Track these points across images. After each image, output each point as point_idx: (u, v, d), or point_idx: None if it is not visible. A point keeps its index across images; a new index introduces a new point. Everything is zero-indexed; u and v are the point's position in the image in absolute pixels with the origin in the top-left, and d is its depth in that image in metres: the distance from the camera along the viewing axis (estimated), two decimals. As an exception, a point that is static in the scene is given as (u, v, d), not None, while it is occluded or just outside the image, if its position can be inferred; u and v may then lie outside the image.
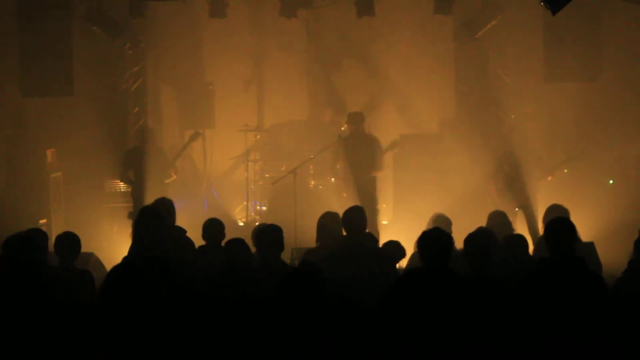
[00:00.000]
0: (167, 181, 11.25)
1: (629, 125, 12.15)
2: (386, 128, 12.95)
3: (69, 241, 7.08)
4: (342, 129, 12.59)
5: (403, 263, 8.18)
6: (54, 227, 11.45)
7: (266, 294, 5.32)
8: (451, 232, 7.18)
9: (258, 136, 13.18)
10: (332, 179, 12.09)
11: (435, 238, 5.71)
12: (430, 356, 5.22)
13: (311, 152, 11.78)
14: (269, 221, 8.63)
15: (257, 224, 11.71)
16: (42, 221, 11.60)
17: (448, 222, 8.01)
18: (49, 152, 12.21)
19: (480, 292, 5.60)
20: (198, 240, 7.76)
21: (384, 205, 12.82)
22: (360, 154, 10.89)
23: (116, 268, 5.35)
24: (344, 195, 11.06)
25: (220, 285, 6.41)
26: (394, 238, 10.26)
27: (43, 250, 6.68)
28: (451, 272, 5.59)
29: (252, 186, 12.91)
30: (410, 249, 8.38)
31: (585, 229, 9.13)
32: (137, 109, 13.10)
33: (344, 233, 7.24)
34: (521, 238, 7.31)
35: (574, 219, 6.25)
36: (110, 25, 12.23)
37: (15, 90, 11.64)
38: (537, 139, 11.13)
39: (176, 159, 11.51)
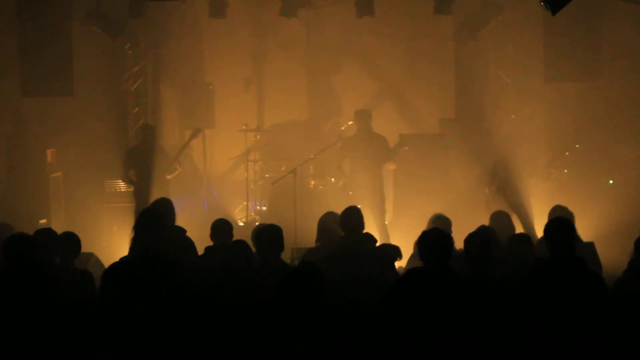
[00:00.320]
0: (169, 177, 11.23)
1: (629, 125, 12.15)
2: (386, 128, 12.95)
3: (69, 241, 7.08)
4: (342, 128, 12.59)
5: (402, 263, 8.18)
6: (54, 227, 11.42)
7: (266, 294, 5.33)
8: (451, 232, 7.18)
9: (258, 136, 13.18)
10: (332, 178, 12.08)
11: (435, 238, 5.71)
12: (431, 356, 5.22)
13: (311, 152, 11.77)
14: (269, 221, 8.63)
15: (257, 224, 11.71)
16: (42, 221, 11.61)
17: (448, 222, 8.00)
18: (49, 152, 12.21)
19: (480, 292, 5.60)
20: (198, 240, 7.76)
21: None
22: (369, 150, 10.88)
23: (113, 267, 5.35)
24: (350, 193, 11.06)
25: (221, 286, 6.41)
26: (394, 238, 10.30)
27: (50, 250, 6.69)
28: (451, 272, 5.59)
29: (252, 186, 12.90)
30: (410, 248, 8.39)
31: (585, 229, 9.13)
32: (137, 109, 13.11)
33: (343, 233, 7.24)
34: (526, 237, 7.31)
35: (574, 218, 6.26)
36: (110, 25, 12.23)
37: (15, 89, 11.64)
38: (536, 139, 11.13)
39: (179, 155, 11.50)
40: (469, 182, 11.76)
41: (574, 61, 11.60)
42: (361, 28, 13.17)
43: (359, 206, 8.11)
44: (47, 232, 7.32)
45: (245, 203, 12.96)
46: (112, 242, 11.47)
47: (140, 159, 11.08)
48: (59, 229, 10.29)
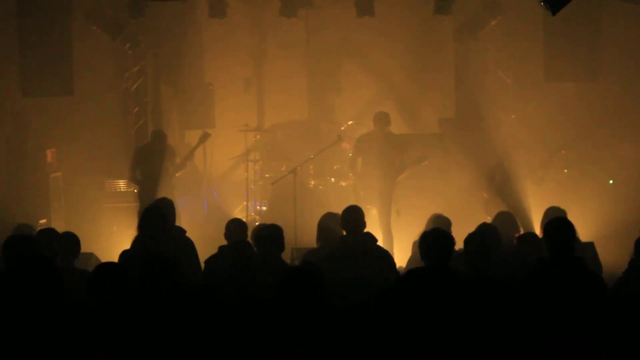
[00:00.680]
0: (177, 174, 11.25)
1: (629, 125, 12.15)
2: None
3: (69, 241, 7.08)
4: (342, 128, 12.59)
5: (402, 263, 8.18)
6: (54, 227, 11.43)
7: (266, 294, 5.33)
8: (451, 232, 7.17)
9: (258, 136, 13.17)
10: (332, 178, 12.03)
11: (436, 238, 5.71)
12: (431, 356, 5.22)
13: (311, 152, 11.77)
14: (269, 221, 8.63)
15: (257, 224, 11.71)
16: (42, 221, 11.61)
17: (447, 222, 8.00)
18: (49, 152, 12.21)
19: (480, 292, 5.60)
20: (198, 240, 7.76)
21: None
22: (383, 152, 10.84)
23: (99, 269, 5.36)
24: (361, 193, 11.03)
25: (224, 286, 6.42)
26: (394, 238, 10.30)
27: (52, 250, 6.69)
28: (452, 273, 5.59)
29: (252, 186, 12.90)
30: (410, 248, 8.39)
31: (585, 229, 9.13)
32: (137, 109, 13.11)
33: (344, 233, 7.24)
34: (534, 236, 7.30)
35: (574, 218, 6.24)
36: (110, 25, 12.24)
37: (16, 90, 11.63)
38: (536, 139, 11.13)
39: (185, 161, 11.49)
40: (468, 182, 11.76)
41: (574, 61, 11.60)
42: (361, 28, 13.17)
43: (367, 207, 8.09)
44: (49, 232, 7.32)
45: (245, 203, 12.95)
46: (112, 242, 11.46)
47: (148, 160, 11.08)
48: (59, 229, 10.25)
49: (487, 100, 12.47)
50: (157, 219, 7.23)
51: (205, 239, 8.12)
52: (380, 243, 7.49)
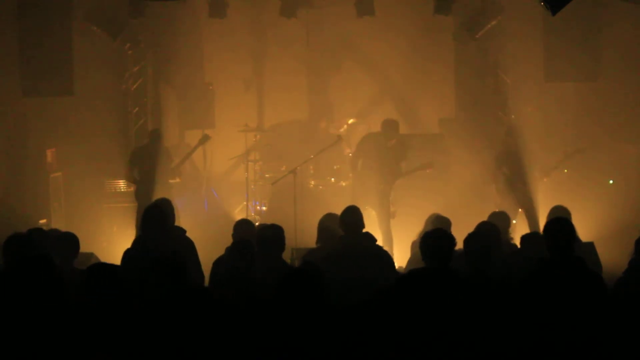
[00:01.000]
0: (171, 181, 11.25)
1: (629, 125, 12.15)
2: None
3: (68, 241, 7.08)
4: (341, 130, 12.60)
5: (402, 263, 8.18)
6: (54, 227, 11.44)
7: (267, 294, 5.33)
8: (450, 232, 7.17)
9: (258, 136, 13.17)
10: (332, 178, 12.03)
11: (438, 239, 5.71)
12: (431, 356, 5.22)
13: (311, 152, 11.77)
14: (269, 221, 8.63)
15: (257, 224, 11.71)
16: (42, 221, 11.61)
17: (447, 223, 8.00)
18: (49, 152, 12.21)
19: (481, 292, 5.60)
20: (198, 240, 7.76)
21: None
22: (387, 161, 10.84)
23: (92, 269, 5.36)
24: (358, 194, 11.02)
25: (225, 285, 6.42)
26: (394, 238, 10.29)
27: (44, 250, 6.68)
28: (453, 273, 5.59)
29: (252, 186, 12.90)
30: (409, 248, 8.39)
31: (585, 229, 9.13)
32: (137, 109, 13.11)
33: (343, 233, 7.24)
34: (538, 236, 7.30)
35: (574, 219, 6.25)
36: (110, 25, 12.23)
37: (16, 89, 11.64)
38: (534, 137, 11.12)
39: (182, 162, 11.50)
40: (468, 182, 11.76)
41: (574, 61, 11.60)
42: (361, 28, 13.17)
43: (366, 208, 8.09)
44: (39, 232, 7.31)
45: (245, 203, 12.95)
46: (112, 242, 11.47)
47: (145, 160, 11.09)
48: (59, 228, 10.31)
49: (487, 100, 12.48)
50: (158, 218, 7.23)
51: (205, 239, 8.12)
52: (380, 244, 7.48)
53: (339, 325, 5.05)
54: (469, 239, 6.14)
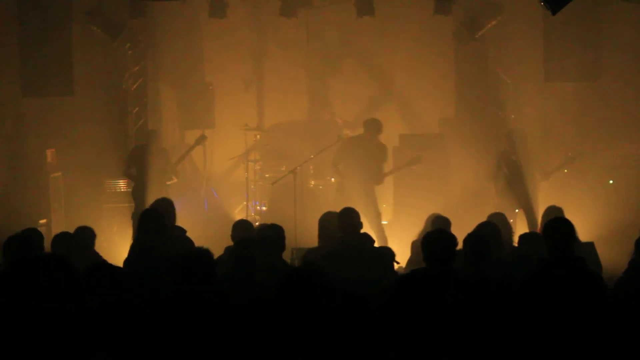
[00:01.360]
0: (168, 183, 11.27)
1: (629, 125, 12.14)
2: (386, 128, 12.95)
3: (66, 241, 7.08)
4: (340, 121, 12.60)
5: (402, 263, 8.18)
6: (54, 227, 11.46)
7: (267, 293, 5.33)
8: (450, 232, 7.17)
9: (258, 136, 13.17)
10: (332, 178, 12.04)
11: (440, 239, 5.71)
12: (432, 356, 5.22)
13: (311, 152, 11.77)
14: (269, 221, 8.63)
15: (257, 224, 11.70)
16: (42, 221, 11.61)
17: (447, 223, 8.00)
18: (49, 152, 12.21)
19: (480, 292, 5.60)
20: (198, 240, 7.75)
21: (384, 205, 12.82)
22: (365, 162, 10.84)
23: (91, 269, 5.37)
24: (343, 195, 11.02)
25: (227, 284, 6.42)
26: (394, 238, 10.30)
27: (39, 250, 6.69)
28: (454, 274, 5.59)
29: (252, 186, 12.90)
30: (409, 248, 8.39)
31: (585, 229, 9.13)
32: (137, 109, 13.11)
33: (341, 234, 7.25)
34: (536, 236, 7.30)
35: (574, 219, 6.24)
36: (110, 25, 12.24)
37: (15, 89, 11.64)
38: (534, 138, 11.12)
39: (179, 162, 11.52)
40: (468, 182, 11.76)
41: (574, 61, 11.59)
42: (361, 28, 13.17)
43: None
44: (34, 231, 7.31)
45: (245, 203, 12.95)
46: (112, 242, 11.46)
47: (142, 159, 11.10)
48: (59, 229, 10.33)
49: (487, 100, 12.48)
50: (154, 220, 7.21)
51: (205, 239, 8.09)
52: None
53: (339, 325, 5.05)
54: (467, 239, 6.14)
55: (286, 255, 7.66)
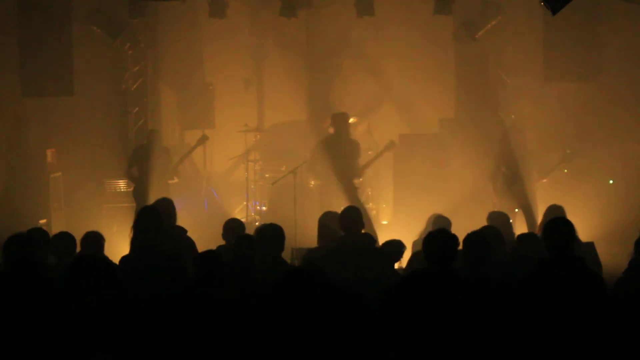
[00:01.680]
0: (170, 182, 11.27)
1: (629, 124, 12.15)
2: (386, 128, 12.96)
3: (64, 241, 7.07)
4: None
5: (402, 263, 8.18)
6: (54, 227, 11.45)
7: (267, 292, 5.33)
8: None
9: (258, 136, 13.17)
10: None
11: (441, 239, 5.71)
12: (433, 356, 5.22)
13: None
14: (269, 221, 8.63)
15: (257, 224, 11.70)
16: (42, 221, 11.61)
17: (447, 223, 8.00)
18: (49, 152, 12.21)
19: (480, 292, 5.60)
20: (198, 240, 7.76)
21: (384, 205, 12.82)
22: (340, 160, 10.84)
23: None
24: (324, 196, 11.00)
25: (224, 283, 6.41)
26: (394, 238, 10.27)
27: (43, 250, 6.68)
28: (455, 273, 5.59)
29: (252, 186, 12.90)
30: (409, 248, 8.38)
31: (585, 229, 9.12)
32: (137, 109, 13.10)
33: (342, 233, 7.25)
34: (534, 236, 7.29)
35: (574, 219, 6.24)
36: (110, 25, 12.23)
37: (15, 90, 11.64)
38: (533, 137, 11.12)
39: (180, 162, 11.52)
40: (468, 182, 11.75)
41: (574, 61, 11.59)
42: (361, 28, 13.16)
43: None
44: (39, 231, 7.31)
45: (245, 203, 12.95)
46: (112, 242, 11.43)
47: (144, 159, 11.11)
48: (59, 229, 10.32)
49: (487, 100, 12.47)
50: (151, 219, 7.19)
51: (205, 239, 8.12)
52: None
53: (340, 325, 5.05)
54: (467, 239, 6.14)
55: (286, 255, 7.66)
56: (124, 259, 7.04)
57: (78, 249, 7.22)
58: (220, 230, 7.61)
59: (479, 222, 7.70)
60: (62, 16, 11.58)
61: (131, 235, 7.07)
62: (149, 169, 10.98)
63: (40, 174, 12.07)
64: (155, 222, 7.09)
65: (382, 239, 8.51)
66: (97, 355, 4.95)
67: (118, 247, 10.06)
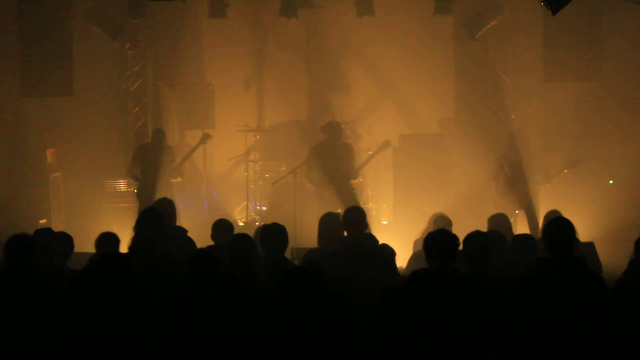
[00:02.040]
0: (173, 180, 11.27)
1: (629, 125, 12.15)
2: (386, 128, 12.95)
3: (62, 241, 7.06)
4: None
5: (402, 263, 8.17)
6: (54, 227, 11.43)
7: (269, 292, 5.33)
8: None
9: (258, 136, 13.17)
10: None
11: (443, 239, 5.71)
12: (434, 356, 5.22)
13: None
14: (269, 221, 8.63)
15: (257, 224, 11.70)
16: (42, 221, 11.62)
17: (448, 223, 8.00)
18: (49, 152, 12.22)
19: (481, 292, 5.60)
20: (198, 240, 7.76)
21: (384, 205, 12.83)
22: (335, 163, 10.85)
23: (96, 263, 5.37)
24: (323, 200, 10.99)
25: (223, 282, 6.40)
26: (394, 238, 10.29)
27: (46, 250, 6.68)
28: (456, 273, 5.59)
29: (252, 186, 12.90)
30: (409, 248, 8.38)
31: (585, 229, 9.13)
32: (137, 109, 13.11)
33: (345, 234, 7.24)
34: (530, 238, 7.30)
35: (574, 219, 6.24)
36: (110, 25, 12.24)
37: (15, 90, 11.64)
38: (537, 139, 11.13)
39: (184, 161, 11.53)
40: (469, 182, 11.76)
41: (574, 61, 11.58)
42: (361, 28, 13.16)
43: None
44: (46, 232, 7.31)
45: (245, 203, 12.96)
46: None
47: (147, 158, 11.11)
48: (59, 229, 10.31)
49: (487, 100, 12.48)
50: (153, 219, 7.19)
51: (206, 239, 8.08)
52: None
53: (341, 325, 5.05)
54: (467, 239, 6.14)
55: (286, 255, 7.66)
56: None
57: (77, 249, 7.20)
58: (220, 231, 7.61)
59: (479, 221, 7.71)
60: (62, 16, 11.57)
61: (131, 235, 7.06)
62: (154, 168, 10.97)
63: (40, 174, 12.08)
64: (156, 223, 7.09)
65: (382, 239, 8.50)
66: (102, 349, 4.96)
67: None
